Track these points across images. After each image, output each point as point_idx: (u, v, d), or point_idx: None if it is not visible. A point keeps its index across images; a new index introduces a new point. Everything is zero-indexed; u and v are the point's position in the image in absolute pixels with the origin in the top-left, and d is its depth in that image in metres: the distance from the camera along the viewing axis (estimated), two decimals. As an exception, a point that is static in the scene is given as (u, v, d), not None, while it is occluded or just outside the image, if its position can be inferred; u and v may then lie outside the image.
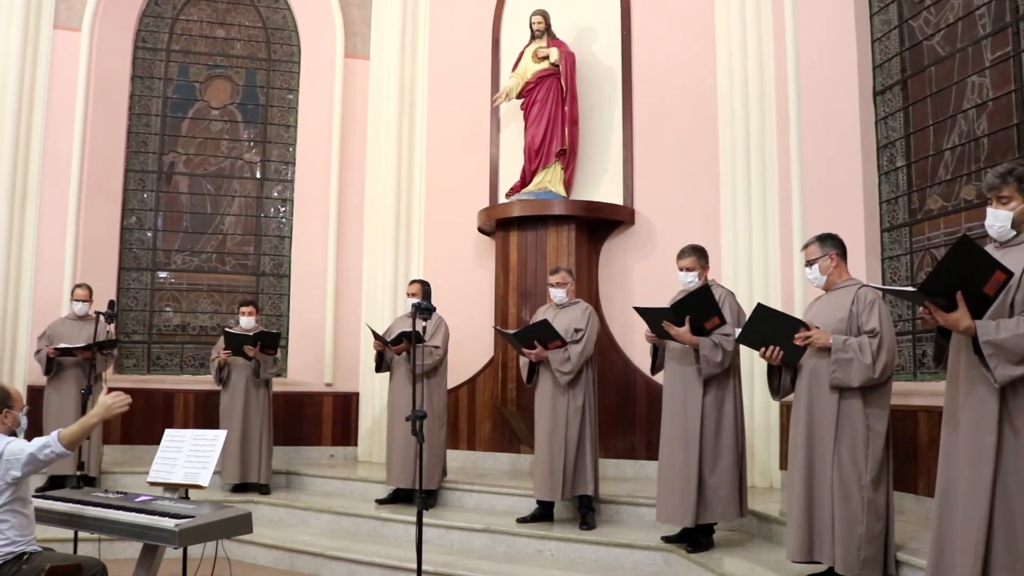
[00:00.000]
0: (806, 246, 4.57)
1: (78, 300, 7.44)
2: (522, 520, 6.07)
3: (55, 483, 6.81)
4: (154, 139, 9.24)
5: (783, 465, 6.64)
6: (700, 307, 5.07)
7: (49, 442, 3.76)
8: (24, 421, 3.97)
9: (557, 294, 6.21)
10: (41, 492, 4.50)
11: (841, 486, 4.14)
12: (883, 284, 6.04)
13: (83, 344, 7.03)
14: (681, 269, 5.40)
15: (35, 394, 7.46)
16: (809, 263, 4.50)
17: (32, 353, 7.69)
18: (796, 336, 4.25)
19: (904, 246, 6.03)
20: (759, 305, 4.47)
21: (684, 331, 5.10)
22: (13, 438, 3.83)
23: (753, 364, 6.55)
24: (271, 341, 7.38)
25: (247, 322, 7.55)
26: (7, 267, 8.11)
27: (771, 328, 4.35)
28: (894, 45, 6.22)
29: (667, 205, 7.80)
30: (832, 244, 4.46)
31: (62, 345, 7.10)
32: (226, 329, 7.40)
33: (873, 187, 6.24)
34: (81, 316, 7.43)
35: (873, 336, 4.14)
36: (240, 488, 7.29)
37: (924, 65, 5.93)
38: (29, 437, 3.92)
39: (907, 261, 5.99)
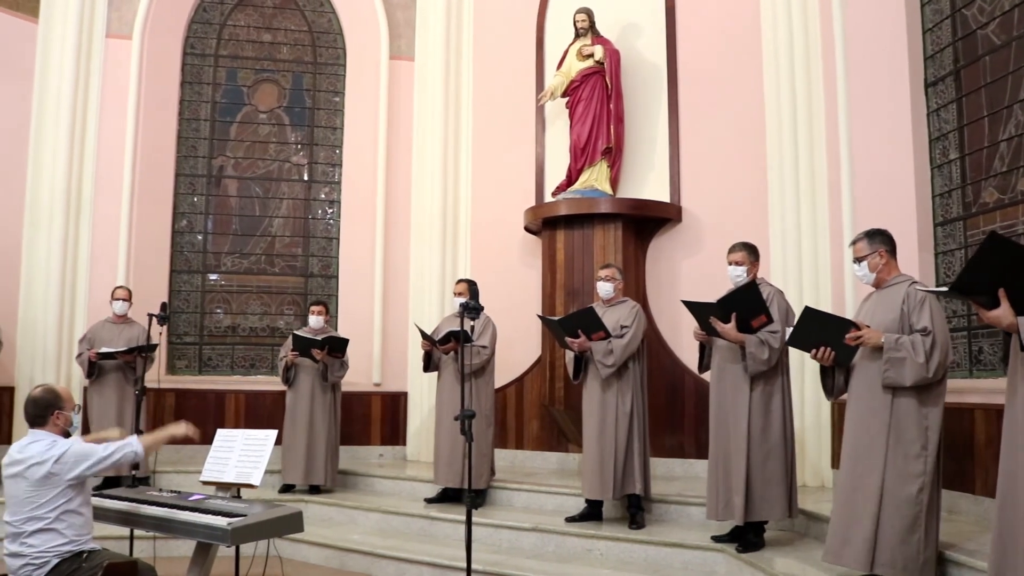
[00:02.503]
0: (854, 242, 4.48)
1: (118, 299, 7.57)
2: (571, 519, 6.06)
3: (110, 482, 6.91)
4: (203, 143, 9.39)
5: (835, 464, 6.55)
6: (747, 304, 5.02)
7: (131, 442, 3.89)
8: (76, 420, 4.03)
9: (604, 287, 6.17)
10: (97, 491, 4.58)
11: (896, 488, 4.04)
12: (936, 279, 5.93)
13: (124, 348, 7.17)
14: (731, 263, 5.34)
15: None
16: (858, 260, 4.41)
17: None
18: (847, 336, 4.18)
19: (958, 240, 5.90)
20: (807, 308, 4.42)
21: (730, 328, 5.06)
22: (74, 440, 3.90)
23: (804, 362, 6.45)
24: (339, 346, 7.39)
25: (316, 321, 7.58)
26: (63, 271, 8.28)
27: (821, 329, 4.29)
28: (946, 35, 6.08)
29: (714, 202, 7.72)
30: (881, 240, 4.36)
31: (104, 349, 7.23)
32: (294, 332, 7.43)
33: (925, 181, 6.11)
34: (120, 316, 7.56)
35: (926, 335, 4.04)
36: (288, 487, 7.35)
37: (978, 55, 5.79)
38: None
39: (961, 256, 5.85)
